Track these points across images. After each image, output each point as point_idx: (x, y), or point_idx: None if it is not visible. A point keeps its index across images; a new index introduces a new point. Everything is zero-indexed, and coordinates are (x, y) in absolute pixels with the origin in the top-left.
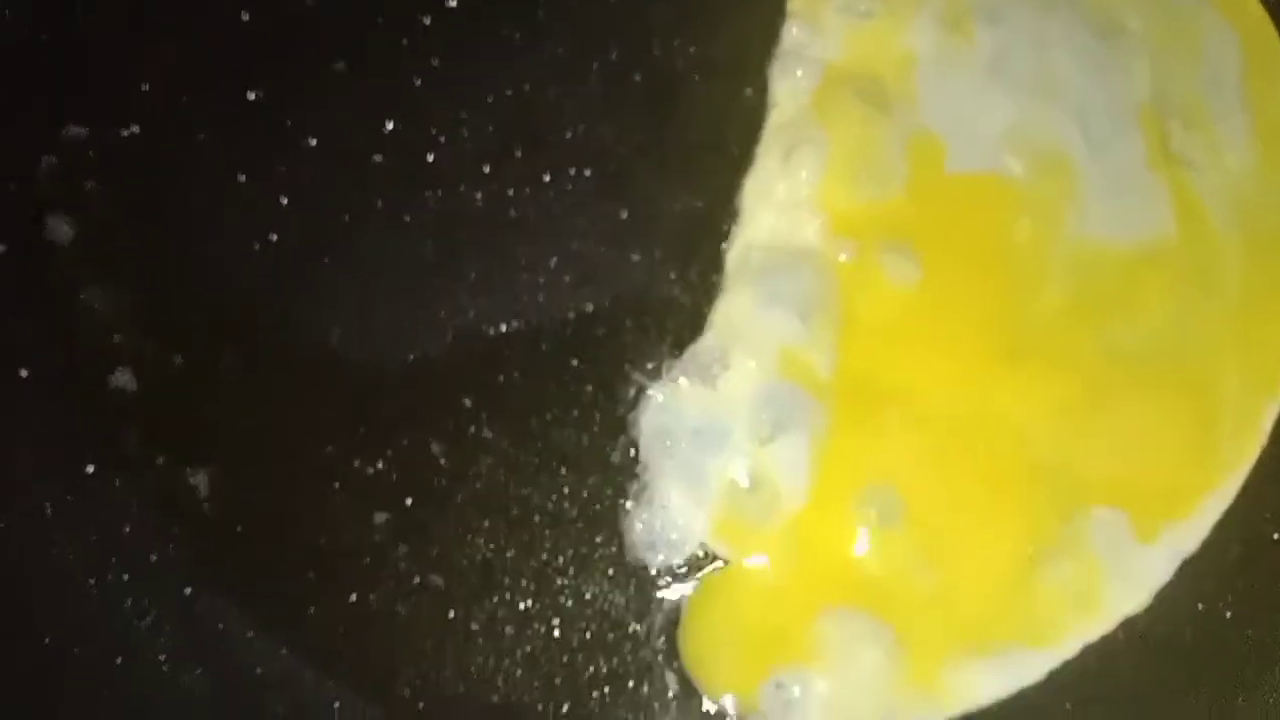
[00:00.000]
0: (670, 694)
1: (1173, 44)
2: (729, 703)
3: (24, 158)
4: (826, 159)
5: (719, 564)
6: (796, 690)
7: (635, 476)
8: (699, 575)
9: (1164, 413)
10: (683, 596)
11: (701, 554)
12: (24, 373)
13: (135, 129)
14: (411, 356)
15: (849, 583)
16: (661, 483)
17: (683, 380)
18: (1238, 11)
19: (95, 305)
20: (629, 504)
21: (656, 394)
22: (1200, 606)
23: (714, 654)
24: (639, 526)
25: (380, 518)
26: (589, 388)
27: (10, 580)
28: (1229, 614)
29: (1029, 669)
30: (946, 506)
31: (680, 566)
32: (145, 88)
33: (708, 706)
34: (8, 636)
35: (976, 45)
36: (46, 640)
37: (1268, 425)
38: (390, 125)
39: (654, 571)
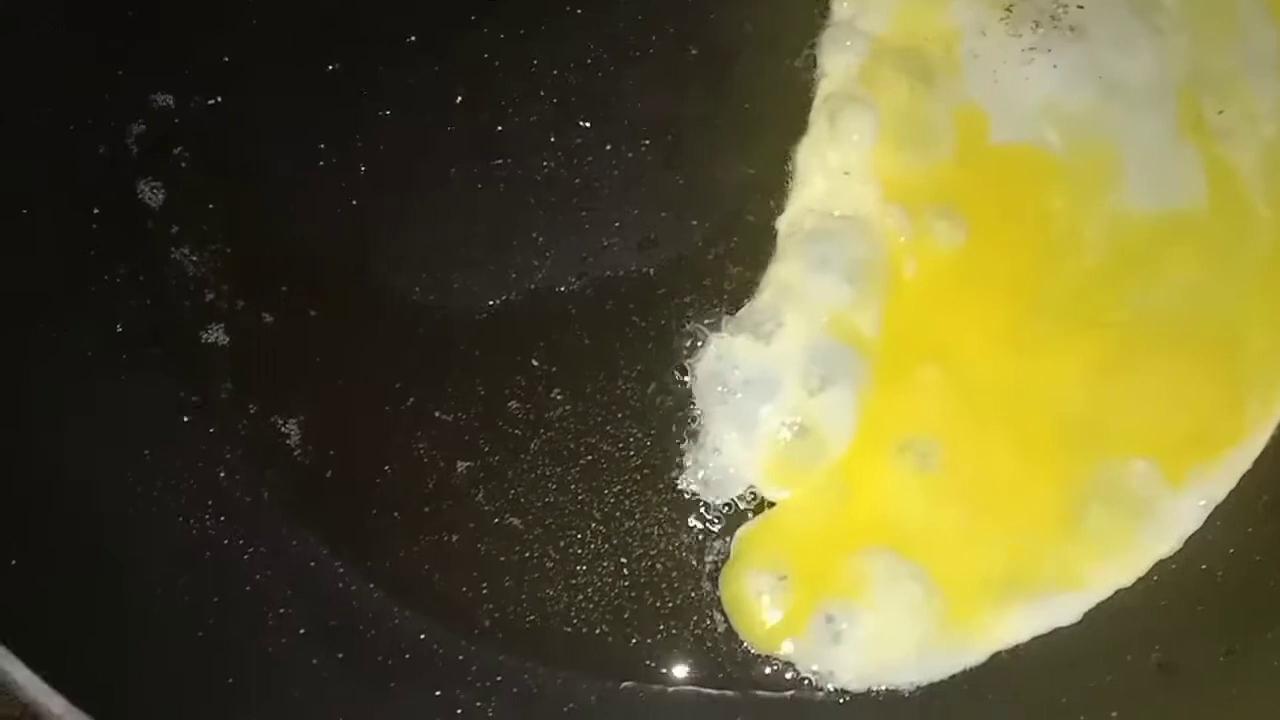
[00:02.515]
0: (722, 630)
1: (1209, 19)
2: (773, 645)
3: (115, 125)
4: (876, 127)
5: (768, 507)
6: (844, 624)
7: (692, 422)
8: (750, 518)
9: (1193, 369)
10: (735, 538)
11: (752, 496)
12: (120, 329)
13: (219, 98)
14: (485, 315)
15: (890, 524)
16: (716, 428)
17: (738, 336)
18: None
19: (187, 265)
20: (685, 447)
21: (713, 348)
22: (1231, 550)
23: (756, 594)
24: (696, 468)
25: (461, 465)
26: (650, 344)
27: (111, 524)
28: (1258, 557)
29: (1064, 610)
30: (982, 456)
31: (734, 506)
32: (227, 60)
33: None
34: (108, 579)
35: (1016, 21)
36: (145, 581)
37: None
38: (460, 98)
39: (709, 511)
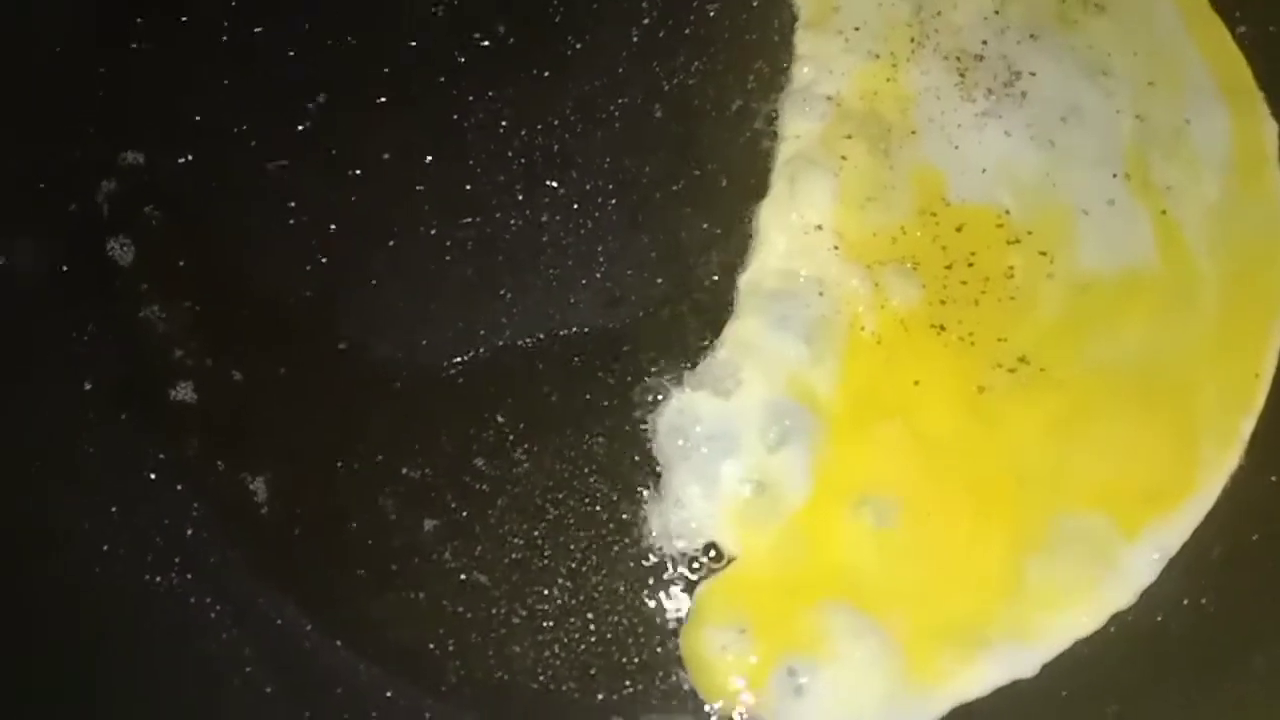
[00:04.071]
0: (688, 687)
1: (1157, 82)
2: (734, 702)
3: (85, 182)
4: (836, 188)
5: (728, 562)
6: (805, 678)
7: (655, 477)
8: (711, 573)
9: (1147, 424)
10: (695, 594)
11: (714, 550)
12: (89, 386)
13: (190, 156)
14: (453, 371)
15: (848, 579)
16: (678, 482)
17: (699, 392)
18: (1217, 52)
19: (156, 323)
20: (649, 502)
21: (674, 403)
22: (1185, 602)
23: (718, 649)
24: (657, 521)
25: (428, 522)
26: (615, 399)
27: (78, 580)
28: (1212, 609)
29: (1023, 662)
30: (939, 511)
31: (696, 561)
32: (198, 118)
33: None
34: (75, 635)
35: (969, 86)
36: (112, 638)
37: (1245, 434)
38: (429, 157)
39: (672, 566)
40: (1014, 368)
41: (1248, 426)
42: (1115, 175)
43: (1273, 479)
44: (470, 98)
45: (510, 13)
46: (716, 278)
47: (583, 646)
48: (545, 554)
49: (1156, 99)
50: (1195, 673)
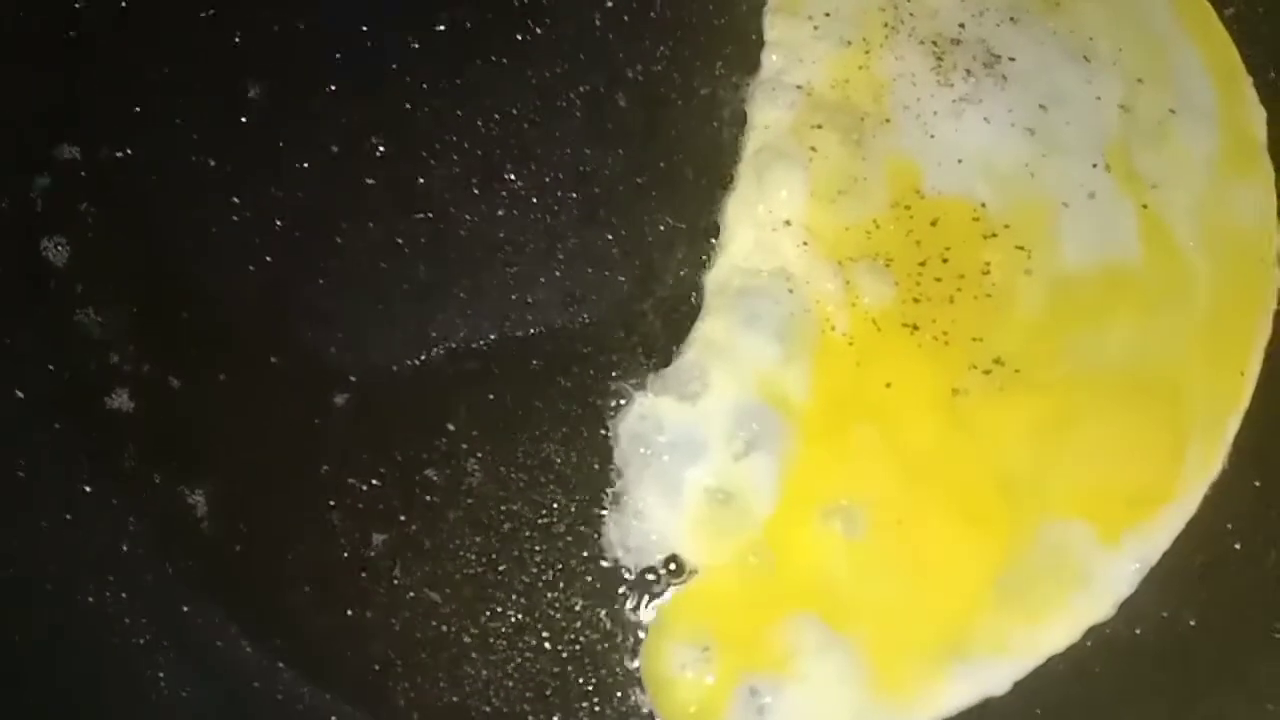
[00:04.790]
0: (647, 709)
1: (1142, 67)
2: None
3: (18, 179)
4: (806, 180)
5: (690, 576)
6: (769, 698)
7: (615, 486)
8: (673, 587)
9: (1131, 427)
10: (656, 610)
11: (675, 563)
12: (20, 394)
13: (128, 150)
14: (404, 375)
15: (816, 592)
16: (639, 491)
17: (662, 397)
18: (1205, 36)
19: (91, 326)
20: (608, 513)
21: (636, 408)
22: (1165, 615)
23: (679, 668)
24: (616, 532)
25: (376, 536)
26: (574, 405)
27: (7, 597)
28: (1192, 621)
29: (995, 678)
30: (912, 520)
31: (656, 575)
32: (137, 110)
33: None
34: (5, 654)
35: (946, 70)
36: (44, 657)
37: (1230, 438)
38: (381, 149)
39: (632, 581)
40: (989, 369)
41: (1233, 426)
42: (1096, 165)
43: (1256, 484)
44: (424, 86)
45: None
46: (682, 275)
47: (538, 666)
48: (499, 569)
49: (1141, 85)
50: (1174, 688)
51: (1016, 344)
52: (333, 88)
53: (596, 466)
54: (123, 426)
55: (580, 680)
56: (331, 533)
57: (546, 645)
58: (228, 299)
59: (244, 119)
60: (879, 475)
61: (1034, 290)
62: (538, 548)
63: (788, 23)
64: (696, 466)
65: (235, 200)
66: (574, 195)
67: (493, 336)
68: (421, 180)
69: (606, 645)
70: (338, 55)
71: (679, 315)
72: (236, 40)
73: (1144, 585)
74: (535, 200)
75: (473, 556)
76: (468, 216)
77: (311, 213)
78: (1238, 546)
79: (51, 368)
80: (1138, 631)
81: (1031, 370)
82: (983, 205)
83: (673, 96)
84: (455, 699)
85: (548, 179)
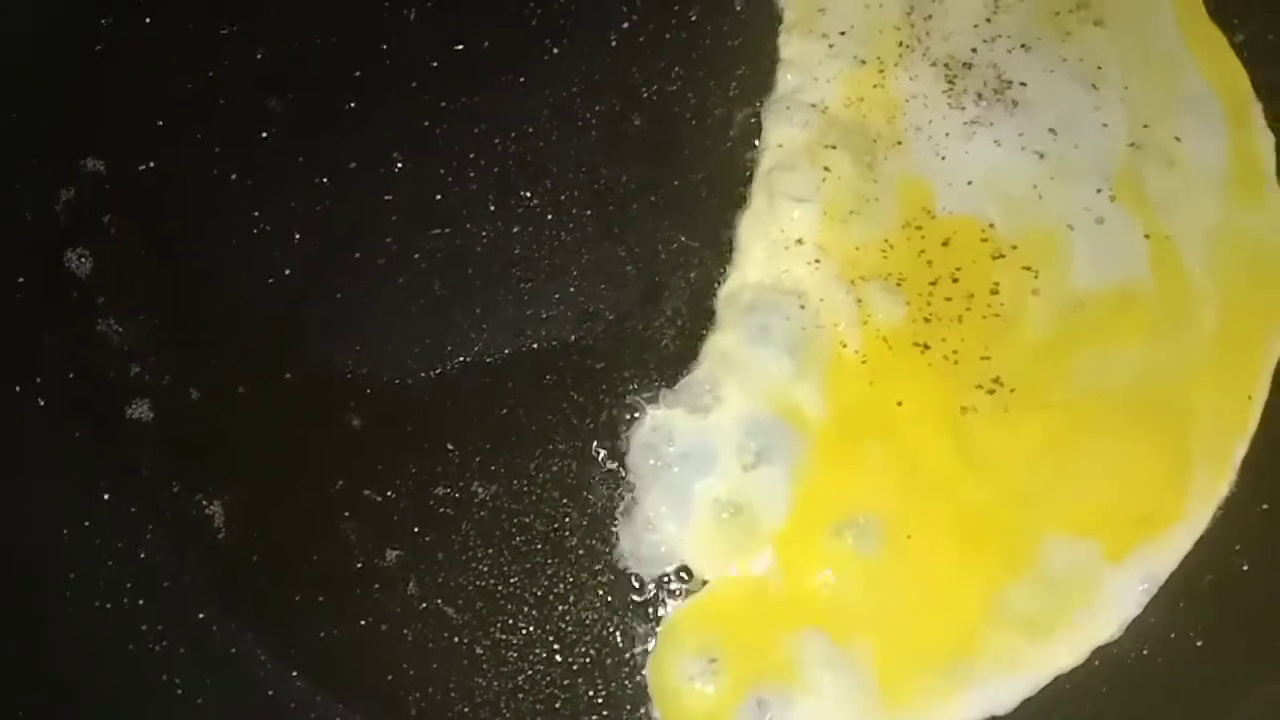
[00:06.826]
0: None
1: (1151, 94)
2: None
3: (43, 191)
4: (818, 198)
5: (700, 587)
6: (776, 710)
7: (627, 499)
8: (682, 599)
9: (1139, 447)
10: (665, 622)
11: (685, 575)
12: (42, 402)
13: (151, 164)
14: (419, 389)
15: (825, 606)
16: (650, 503)
17: (675, 409)
18: (1215, 62)
19: (113, 337)
20: (620, 525)
21: (648, 420)
22: (1172, 635)
23: (687, 679)
24: (627, 543)
25: (390, 549)
26: (587, 418)
27: (27, 604)
28: (1200, 642)
29: (1001, 697)
30: (922, 537)
31: (666, 587)
32: (160, 124)
33: None
34: (25, 660)
35: (958, 94)
36: (62, 664)
37: (1237, 460)
38: (400, 165)
39: (643, 593)
40: (997, 388)
41: (1240, 450)
42: (1103, 190)
43: (1264, 507)
44: (442, 103)
45: (485, 16)
46: (694, 290)
47: (548, 679)
48: (511, 582)
49: (1151, 111)
50: (1182, 710)
51: (1025, 363)
52: (353, 104)
53: (608, 480)
54: (142, 436)
55: (590, 693)
56: (346, 544)
57: (557, 658)
58: (246, 312)
59: (265, 134)
60: (889, 492)
61: (1042, 311)
62: (549, 561)
63: (803, 41)
64: (707, 477)
65: (255, 214)
66: (589, 212)
67: (507, 351)
68: (439, 196)
69: (616, 658)
70: (358, 73)
71: (691, 331)
72: (259, 56)
73: (1151, 605)
74: (550, 217)
75: (485, 569)
76: (484, 232)
77: (330, 227)
78: (1245, 567)
79: (73, 377)
80: (1145, 651)
81: (1039, 389)
82: (991, 226)
83: (687, 115)
84: (466, 710)
85: (563, 196)
